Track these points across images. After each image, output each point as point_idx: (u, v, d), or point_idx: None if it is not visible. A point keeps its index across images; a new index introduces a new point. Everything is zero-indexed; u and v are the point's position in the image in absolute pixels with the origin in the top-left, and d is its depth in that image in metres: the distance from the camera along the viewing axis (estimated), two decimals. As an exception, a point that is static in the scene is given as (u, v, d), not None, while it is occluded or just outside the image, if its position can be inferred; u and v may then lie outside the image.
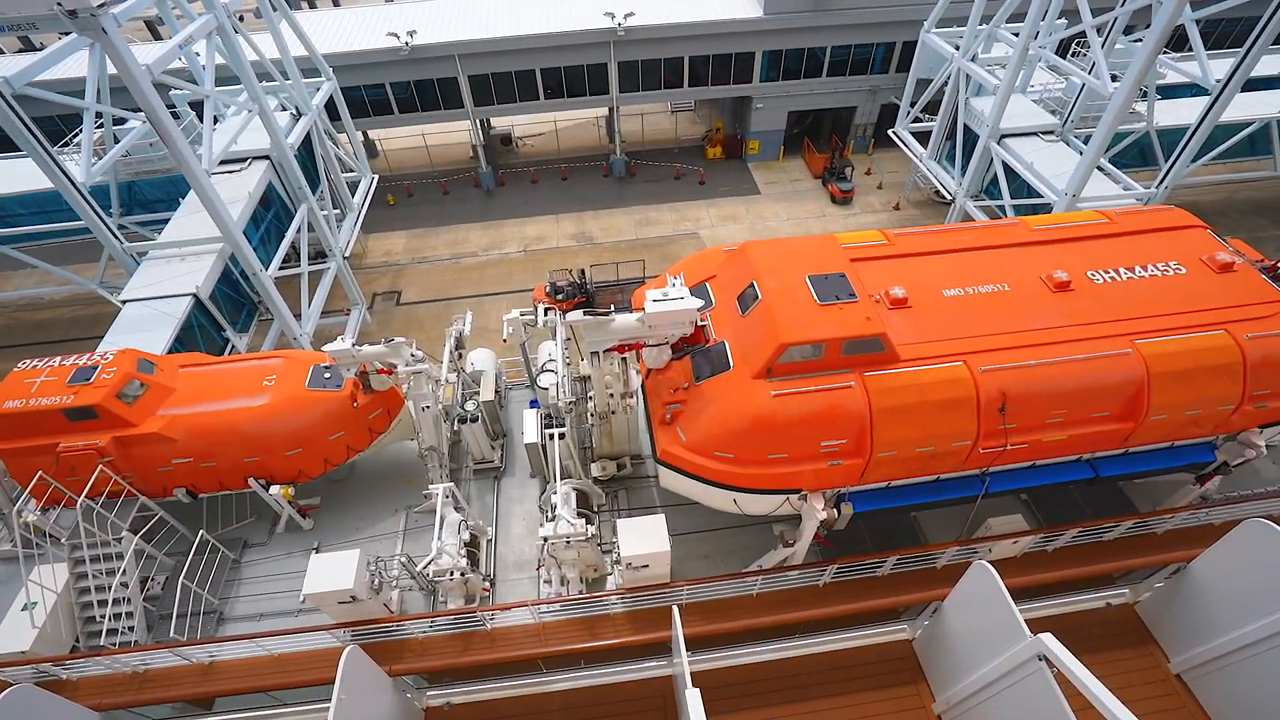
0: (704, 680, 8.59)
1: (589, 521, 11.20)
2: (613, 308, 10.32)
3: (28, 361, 12.62)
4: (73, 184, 19.01)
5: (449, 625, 11.28)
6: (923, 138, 33.00)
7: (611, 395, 12.25)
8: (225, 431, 12.43)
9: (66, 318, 31.67)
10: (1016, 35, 24.14)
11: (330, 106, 29.76)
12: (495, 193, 39.09)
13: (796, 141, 40.65)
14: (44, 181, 19.32)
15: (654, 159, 40.80)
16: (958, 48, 28.51)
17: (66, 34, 16.37)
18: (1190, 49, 21.18)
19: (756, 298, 10.75)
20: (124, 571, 11.90)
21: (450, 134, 40.73)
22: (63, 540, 12.10)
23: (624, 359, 11.45)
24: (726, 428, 10.25)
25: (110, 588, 11.87)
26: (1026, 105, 27.96)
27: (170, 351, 17.99)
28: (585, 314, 10.28)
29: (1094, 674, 7.70)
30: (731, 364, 10.54)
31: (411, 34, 32.49)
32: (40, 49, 17.56)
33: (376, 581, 11.08)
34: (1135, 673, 11.78)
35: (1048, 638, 8.42)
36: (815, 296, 10.41)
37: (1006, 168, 25.98)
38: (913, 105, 33.24)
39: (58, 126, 28.63)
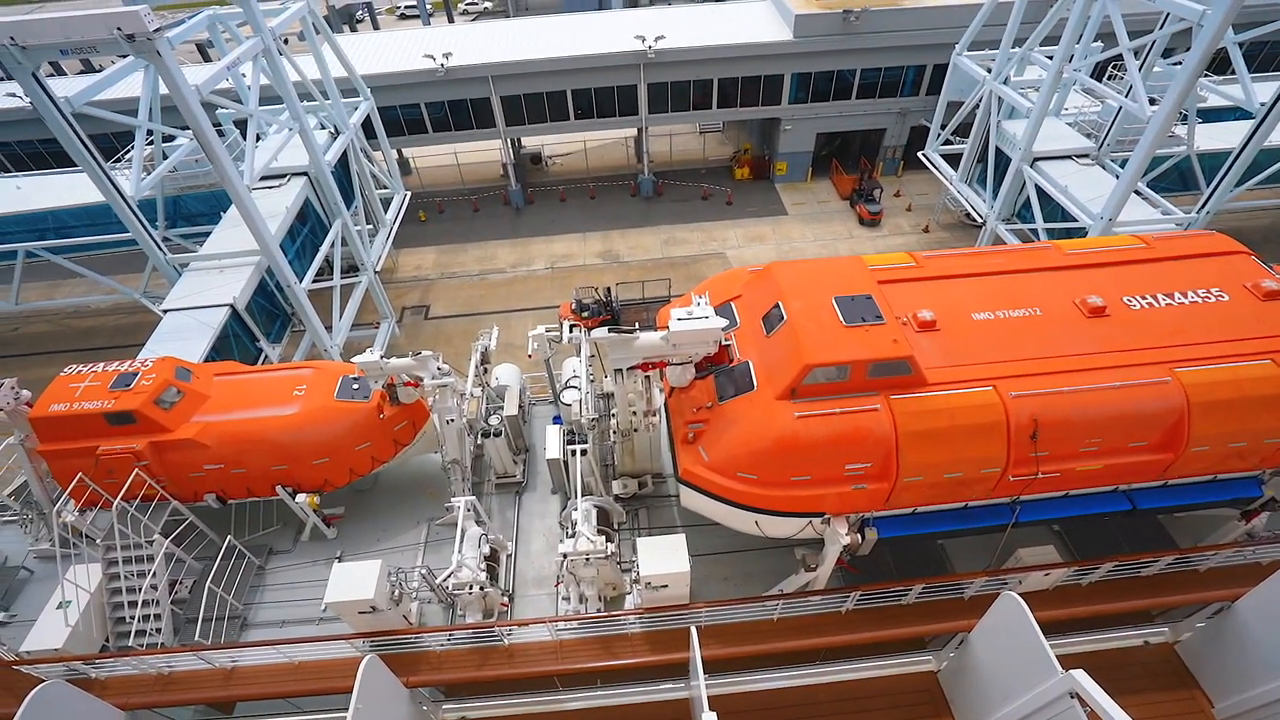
0: (721, 704, 8.45)
1: (609, 539, 11.15)
2: (637, 326, 10.37)
3: (73, 367, 13.09)
4: (122, 198, 19.84)
5: (467, 639, 11.28)
6: (953, 160, 32.76)
7: (634, 413, 12.24)
8: (255, 439, 12.71)
9: (110, 325, 32.85)
10: (1050, 58, 23.93)
11: (367, 125, 30.70)
12: (524, 210, 39.75)
13: (824, 163, 40.67)
14: (96, 195, 20.22)
15: (681, 179, 41.15)
16: (990, 70, 28.36)
17: (124, 56, 17.22)
18: (1233, 71, 20.74)
19: (782, 318, 10.70)
20: (154, 574, 12.16)
21: (482, 152, 41.62)
22: (98, 541, 12.43)
23: (648, 377, 11.45)
24: (749, 448, 10.17)
25: (140, 590, 12.13)
26: (1060, 128, 27.63)
27: (206, 360, 18.54)
28: (610, 331, 10.34)
29: (1130, 715, 7.38)
30: (755, 384, 10.48)
31: (447, 56, 33.43)
32: (98, 70, 18.39)
33: (397, 593, 11.16)
34: (1175, 717, 11.26)
35: (1080, 674, 8.11)
36: (841, 318, 10.32)
37: (1039, 191, 25.62)
38: (943, 128, 33.07)
39: (110, 143, 29.98)
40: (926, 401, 9.85)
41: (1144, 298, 11.11)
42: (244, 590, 13.06)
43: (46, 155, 34.19)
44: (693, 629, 10.04)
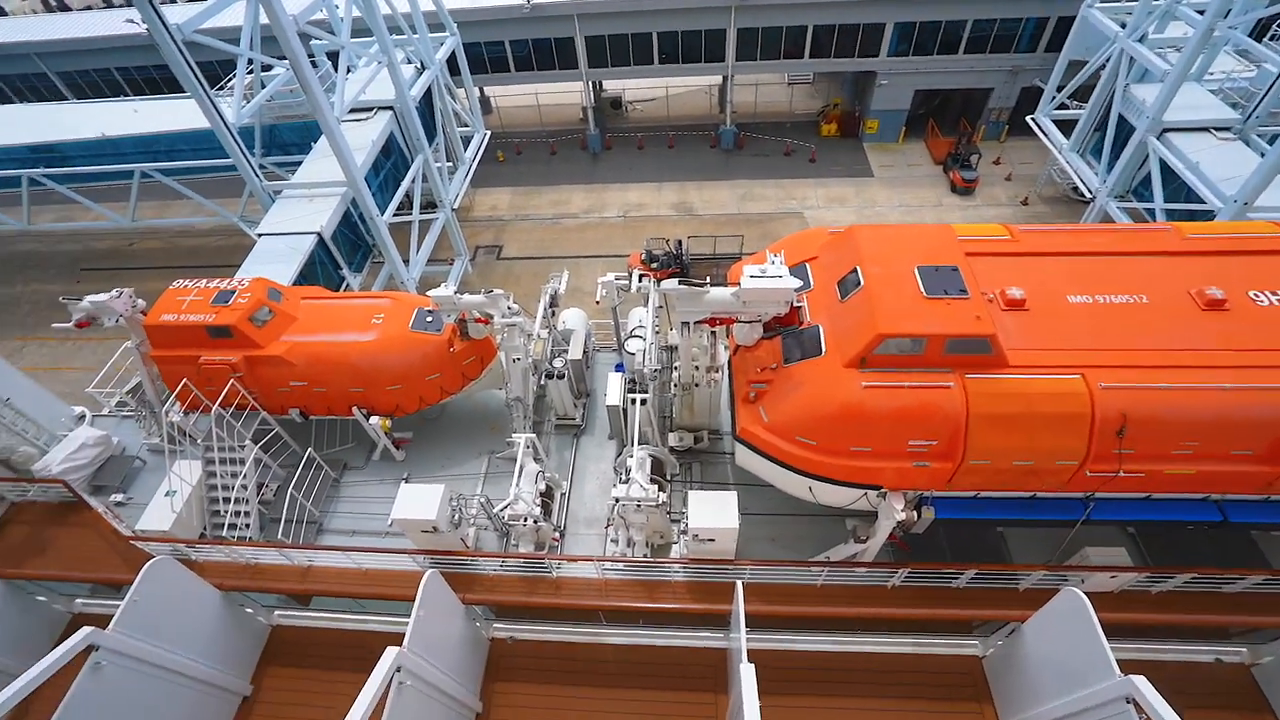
0: (759, 659, 8.59)
1: (661, 489, 11.35)
2: (708, 280, 10.22)
3: (181, 281, 14.14)
4: (225, 124, 20.86)
5: (519, 567, 11.87)
6: (1066, 127, 30.02)
7: (697, 367, 12.22)
8: (336, 361, 13.49)
9: (212, 245, 35.16)
10: (1201, 13, 21.18)
11: (451, 61, 30.81)
12: (601, 156, 39.39)
13: (920, 123, 38.07)
14: (201, 121, 21.32)
15: (764, 132, 39.59)
16: (1124, 25, 25.50)
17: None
18: None
19: (858, 284, 10.30)
20: (244, 475, 13.33)
21: (563, 94, 41.21)
22: (199, 441, 13.66)
23: (713, 333, 11.36)
24: (811, 413, 10.01)
25: (233, 488, 13.35)
26: (1200, 95, 24.55)
27: (295, 284, 19.64)
28: (679, 284, 10.24)
29: (1190, 729, 7.05)
30: (824, 350, 10.21)
31: (535, -8, 32.88)
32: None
33: (456, 517, 11.81)
34: (1240, 739, 10.70)
35: (1140, 680, 7.78)
36: (922, 288, 9.84)
37: (1164, 166, 23.20)
38: (1059, 90, 30.21)
39: (215, 71, 31.40)
40: (1004, 384, 9.35)
41: (1276, 293, 10.02)
42: (320, 499, 14.13)
43: (160, 81, 36.18)
44: (738, 584, 10.18)
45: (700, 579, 11.44)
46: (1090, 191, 27.20)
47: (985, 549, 12.21)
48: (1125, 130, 25.36)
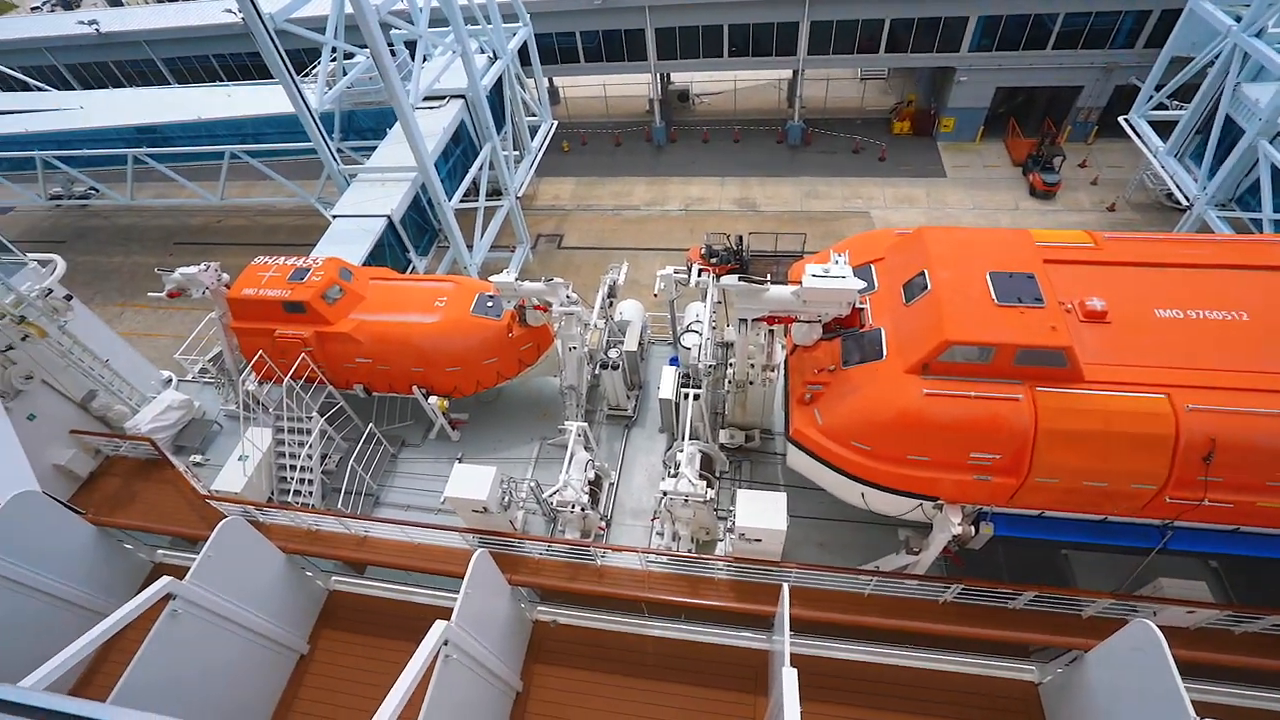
0: (802, 663, 8.45)
1: (710, 485, 11.29)
2: (769, 277, 10.06)
3: (261, 258, 14.95)
4: (308, 109, 21.85)
5: (564, 553, 12.06)
6: (1163, 129, 28.00)
7: (752, 365, 12.07)
8: (399, 341, 13.99)
9: (290, 225, 36.98)
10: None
11: (522, 52, 31.28)
12: (665, 149, 39.27)
13: (999, 122, 36.26)
14: (285, 106, 22.40)
15: (833, 129, 38.57)
16: (1238, 19, 23.54)
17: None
18: None
19: (925, 287, 9.93)
20: (310, 446, 14.03)
21: (629, 85, 41.27)
22: (270, 410, 14.44)
23: (771, 331, 11.19)
24: (868, 418, 9.74)
25: (299, 457, 14.06)
26: (1319, 97, 22.52)
27: (364, 264, 20.44)
28: (740, 280, 10.12)
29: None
30: (885, 353, 9.91)
31: (608, -17, 32.97)
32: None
33: (506, 499, 12.08)
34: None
35: (1216, 726, 7.26)
36: (994, 295, 9.41)
37: (1276, 172, 21.36)
38: (1158, 88, 28.18)
39: (300, 59, 32.93)
40: (1079, 400, 8.86)
41: (1397, 315, 9.10)
42: (379, 473, 14.72)
43: (251, 68, 38.23)
44: (784, 586, 10.04)
45: (745, 578, 11.33)
46: (1188, 199, 25.33)
47: (1047, 571, 11.62)
48: (1233, 133, 23.45)
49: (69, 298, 14.71)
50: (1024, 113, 36.23)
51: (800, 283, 9.65)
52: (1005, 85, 34.30)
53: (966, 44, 32.83)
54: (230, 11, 34.22)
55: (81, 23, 38.99)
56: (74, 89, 39.61)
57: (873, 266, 11.30)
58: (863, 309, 10.49)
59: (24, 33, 41.10)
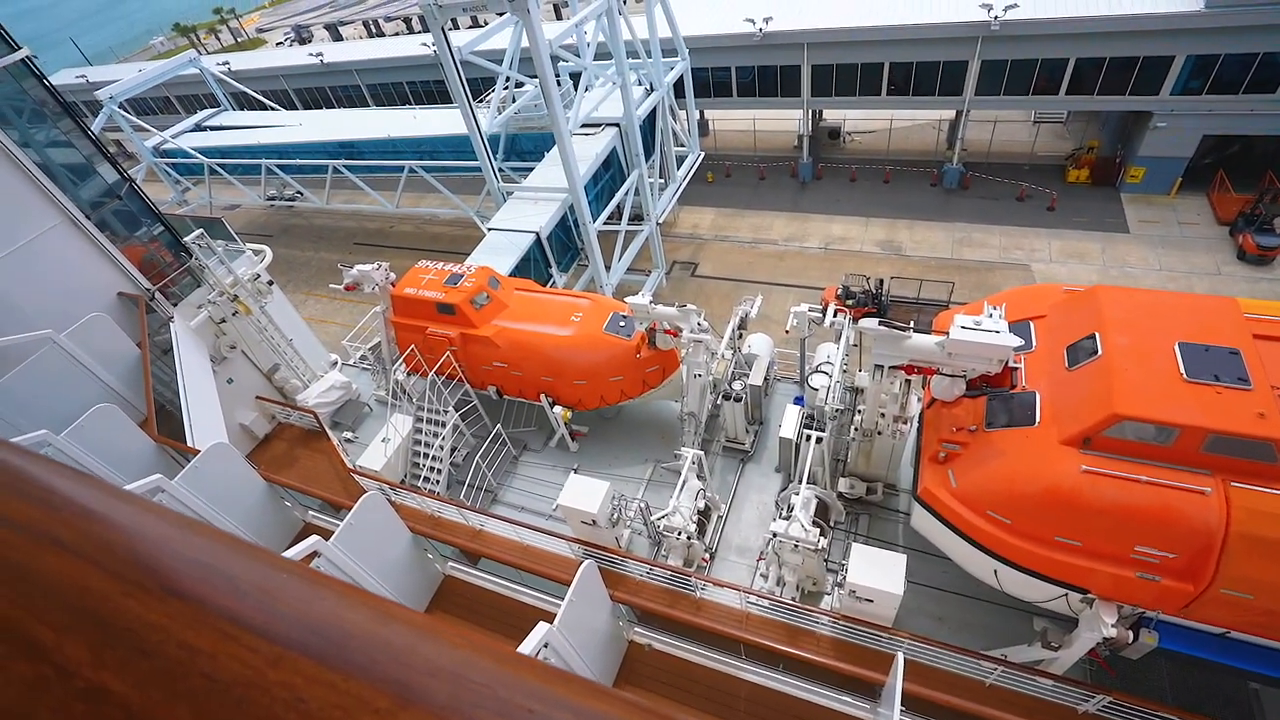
0: (905, 746, 7.78)
1: (823, 533, 10.79)
2: (911, 324, 9.54)
3: (424, 262, 16.54)
4: (479, 131, 24.04)
5: (664, 578, 12.00)
6: None
7: (883, 415, 11.44)
8: (534, 349, 14.82)
9: (450, 234, 40.56)
10: None
11: (678, 84, 32.35)
12: (810, 185, 38.66)
13: (1204, 174, 31.84)
14: (458, 128, 24.79)
15: (996, 174, 35.94)
16: None
17: (501, 14, 20.57)
18: None
19: (1094, 352, 8.92)
20: (443, 438, 15.17)
21: (779, 121, 41.17)
22: (413, 400, 15.83)
23: (908, 381, 10.56)
24: (1011, 488, 8.86)
25: (432, 447, 15.25)
26: None
27: (511, 275, 21.94)
28: (880, 324, 9.69)
29: None
30: (1038, 420, 8.99)
31: (767, 20, 33.34)
32: (477, 26, 22.28)
33: (615, 515, 12.29)
34: None
35: None
36: (1182, 369, 8.24)
37: None
38: None
39: (477, 87, 36.47)
40: (1289, 503, 7.47)
41: None
42: (500, 472, 15.58)
43: (436, 94, 42.90)
44: (899, 656, 9.30)
45: (851, 639, 10.63)
46: None
47: (1228, 703, 9.83)
48: None
49: (271, 283, 17.16)
50: (1235, 164, 31.61)
51: (947, 333, 9.05)
52: (1214, 132, 30.18)
53: (1169, 86, 29.31)
54: (425, 45, 38.72)
55: (310, 55, 46.04)
56: (297, 109, 46.64)
57: (1032, 324, 10.34)
58: (1016, 368, 9.62)
59: (267, 63, 49.45)
